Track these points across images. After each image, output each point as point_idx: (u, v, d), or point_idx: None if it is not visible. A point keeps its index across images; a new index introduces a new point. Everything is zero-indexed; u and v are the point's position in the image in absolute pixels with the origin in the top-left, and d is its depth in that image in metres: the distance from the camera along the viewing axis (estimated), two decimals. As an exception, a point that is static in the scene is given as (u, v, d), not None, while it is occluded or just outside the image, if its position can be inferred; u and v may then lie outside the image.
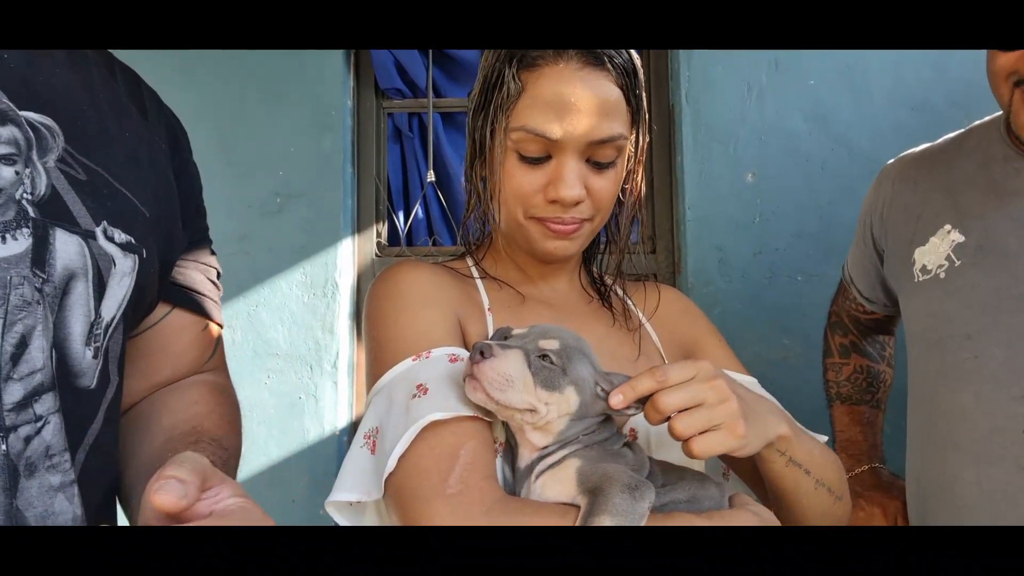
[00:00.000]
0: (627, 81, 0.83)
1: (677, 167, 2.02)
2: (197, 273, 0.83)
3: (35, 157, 0.63)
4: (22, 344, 0.59)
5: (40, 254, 0.61)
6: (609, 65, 0.82)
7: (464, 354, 0.79)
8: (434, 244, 2.12)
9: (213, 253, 0.87)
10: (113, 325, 0.67)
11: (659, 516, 0.71)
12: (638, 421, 0.84)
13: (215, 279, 0.86)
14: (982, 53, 1.01)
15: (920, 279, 1.03)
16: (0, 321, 0.58)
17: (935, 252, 1.01)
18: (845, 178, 1.94)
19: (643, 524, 0.67)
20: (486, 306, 0.87)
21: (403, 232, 2.10)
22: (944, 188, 1.06)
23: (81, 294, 0.64)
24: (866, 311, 1.26)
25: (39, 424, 0.60)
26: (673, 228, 2.02)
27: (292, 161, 2.00)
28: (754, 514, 0.76)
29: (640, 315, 0.96)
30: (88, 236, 0.64)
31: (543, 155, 0.82)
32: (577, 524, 0.67)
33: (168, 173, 0.77)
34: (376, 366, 0.81)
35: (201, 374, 0.84)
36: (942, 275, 1.00)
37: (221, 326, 0.87)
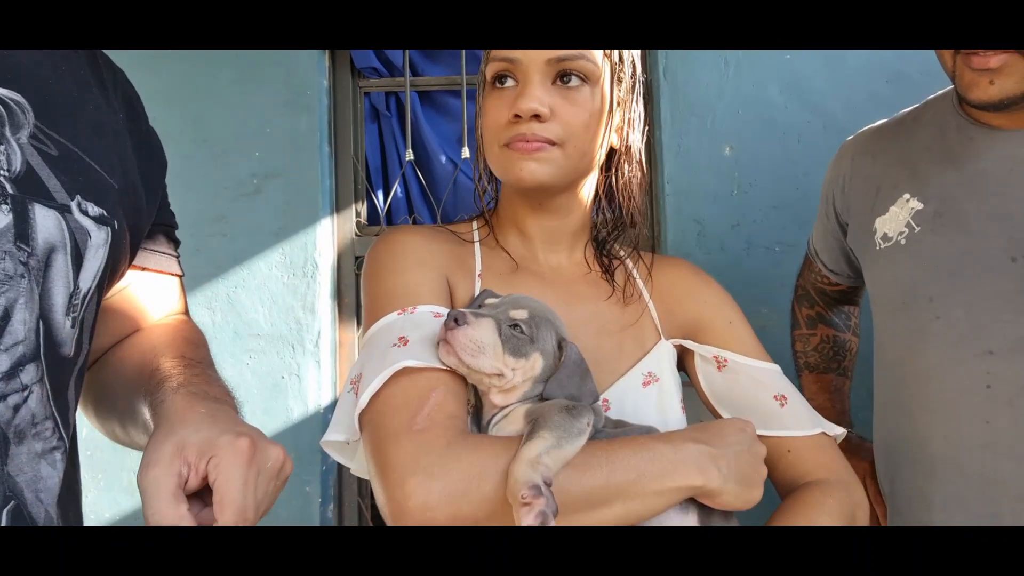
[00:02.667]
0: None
1: (656, 141, 2.03)
2: (159, 233, 0.86)
3: (8, 133, 0.63)
4: (5, 316, 0.60)
5: (23, 229, 0.62)
6: None
7: (445, 311, 0.82)
8: (414, 222, 2.12)
9: (175, 225, 0.90)
10: (89, 295, 0.68)
11: (605, 442, 0.73)
12: (611, 394, 0.86)
13: (175, 239, 0.90)
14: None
15: (882, 247, 1.05)
16: None
17: (895, 220, 1.03)
18: (820, 149, 1.95)
19: (583, 440, 0.71)
20: (477, 271, 0.91)
21: (382, 211, 2.10)
22: (902, 159, 1.08)
23: (61, 267, 0.65)
24: (831, 283, 1.29)
25: (25, 393, 0.61)
26: (652, 201, 2.03)
27: (269, 142, 1.98)
28: (696, 431, 0.79)
29: (643, 289, 0.97)
30: (64, 210, 0.66)
31: (509, 74, 0.87)
32: (521, 445, 0.70)
33: (128, 143, 0.78)
34: (368, 319, 0.85)
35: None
36: (903, 241, 1.02)
37: (182, 274, 0.90)
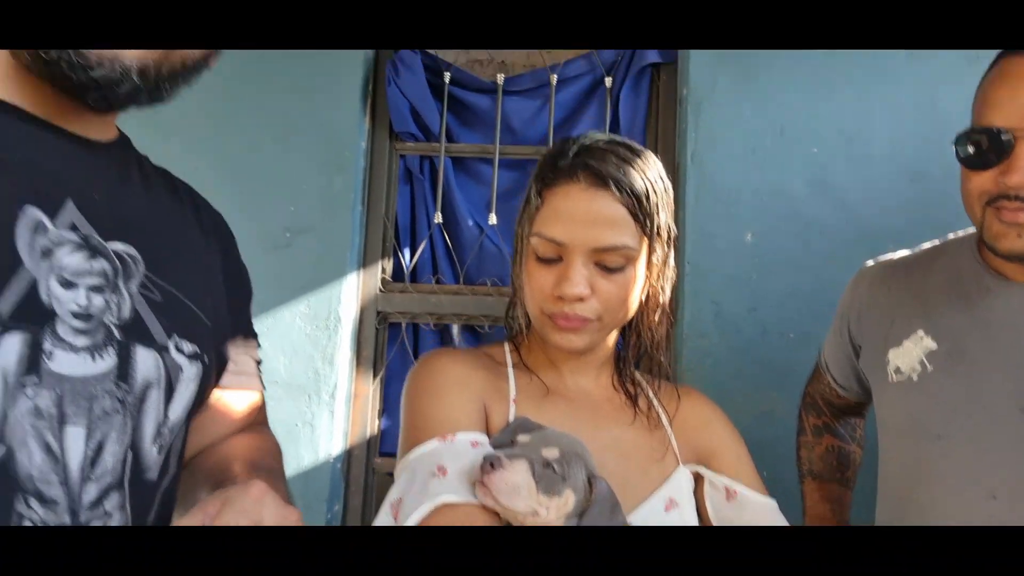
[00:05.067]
0: (631, 201, 0.91)
1: (680, 223, 2.08)
2: (243, 356, 0.92)
3: (121, 284, 0.70)
4: (98, 450, 0.66)
5: (124, 369, 0.68)
6: (613, 187, 0.91)
7: (485, 440, 0.87)
8: (437, 282, 2.17)
9: (258, 345, 0.96)
10: (178, 425, 0.75)
11: None
12: (635, 518, 0.90)
13: (257, 359, 0.96)
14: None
15: (894, 379, 1.07)
16: (84, 431, 0.65)
17: (909, 356, 1.06)
18: (840, 242, 1.99)
19: None
20: (512, 396, 0.95)
21: (408, 269, 2.16)
22: (917, 295, 1.11)
23: (154, 400, 0.71)
24: (839, 396, 1.31)
25: (107, 519, 0.67)
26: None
27: (304, 198, 2.06)
28: None
29: (663, 418, 1.01)
30: (162, 350, 0.72)
31: (555, 256, 0.92)
32: None
33: (220, 279, 0.85)
34: (406, 442, 0.90)
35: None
36: (915, 378, 1.05)
37: (263, 388, 0.97)
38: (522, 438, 0.85)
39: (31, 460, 0.61)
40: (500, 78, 2.19)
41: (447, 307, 2.11)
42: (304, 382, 2.00)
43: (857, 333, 1.20)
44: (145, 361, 0.70)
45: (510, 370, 0.99)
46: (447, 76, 2.18)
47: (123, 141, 0.80)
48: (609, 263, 0.91)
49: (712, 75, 2.06)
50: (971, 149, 0.97)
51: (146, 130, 0.91)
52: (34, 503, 0.61)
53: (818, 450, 1.34)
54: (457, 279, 2.17)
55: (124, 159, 0.79)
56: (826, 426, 1.35)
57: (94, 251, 0.68)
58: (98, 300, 0.67)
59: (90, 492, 0.65)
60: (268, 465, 0.85)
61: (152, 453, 0.71)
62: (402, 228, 2.21)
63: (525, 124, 2.24)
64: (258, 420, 0.95)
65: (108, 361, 0.67)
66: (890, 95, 2.03)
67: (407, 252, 2.19)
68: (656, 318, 0.99)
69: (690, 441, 1.00)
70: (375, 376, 2.10)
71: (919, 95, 2.02)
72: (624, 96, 2.17)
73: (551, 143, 2.16)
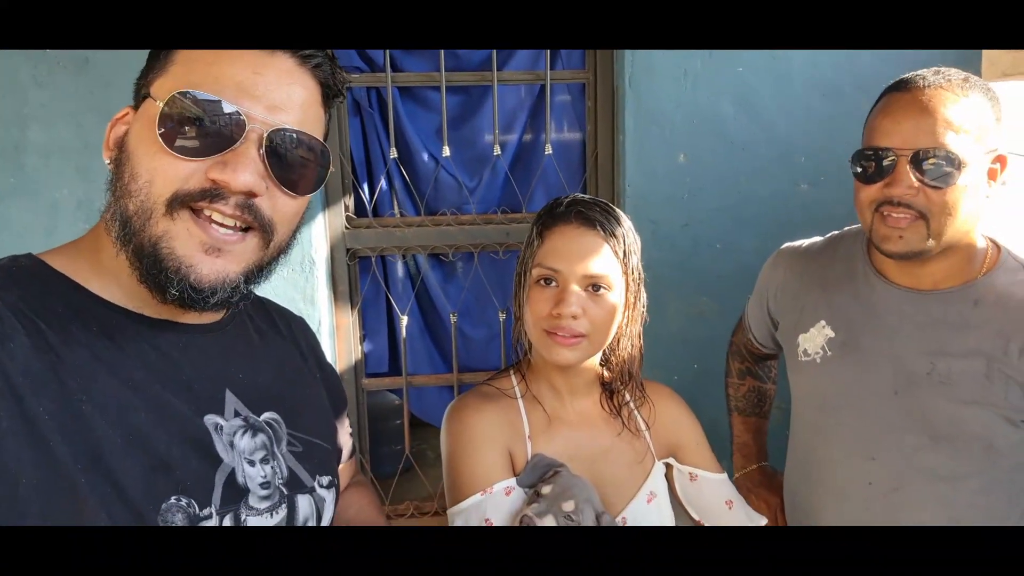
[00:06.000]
0: (613, 241, 1.14)
1: (619, 146, 2.25)
2: (344, 435, 1.10)
3: (276, 449, 0.85)
4: None
5: (291, 517, 0.85)
6: (599, 228, 1.14)
7: (514, 483, 1.14)
8: (401, 216, 2.32)
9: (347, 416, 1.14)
10: None
11: None
12: (627, 513, 1.20)
13: (350, 431, 1.14)
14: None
15: (803, 359, 1.36)
16: None
17: (813, 341, 1.34)
18: (763, 159, 2.22)
19: None
20: (526, 433, 1.19)
21: (369, 205, 2.28)
22: (822, 286, 1.36)
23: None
24: (758, 349, 1.61)
25: None
26: (614, 203, 2.28)
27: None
28: None
29: (643, 425, 1.27)
30: (311, 491, 0.89)
31: (553, 281, 1.14)
32: None
33: (323, 395, 0.99)
34: (452, 491, 1.15)
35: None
36: (818, 360, 1.33)
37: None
38: (544, 489, 1.12)
39: None
40: (440, 4, 2.17)
41: (411, 239, 2.28)
42: (290, 322, 2.19)
43: (775, 310, 1.48)
44: (303, 506, 0.87)
45: (520, 403, 1.23)
46: (386, 5, 2.15)
47: (230, 312, 0.90)
48: (595, 288, 1.14)
49: (648, 1, 2.12)
50: (861, 167, 1.20)
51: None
52: None
53: (742, 390, 1.68)
54: (418, 211, 2.32)
55: (239, 327, 0.90)
56: (748, 370, 1.68)
57: (255, 429, 0.83)
58: (267, 469, 0.83)
59: None
60: (370, 517, 1.08)
61: None
62: (358, 163, 2.29)
63: (469, 49, 2.27)
64: (356, 480, 1.16)
65: (281, 513, 0.84)
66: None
67: (366, 187, 2.30)
68: (628, 349, 1.23)
69: (662, 439, 1.29)
70: (353, 308, 2.31)
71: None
72: (563, 18, 2.21)
73: (495, 67, 2.22)
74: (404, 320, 2.35)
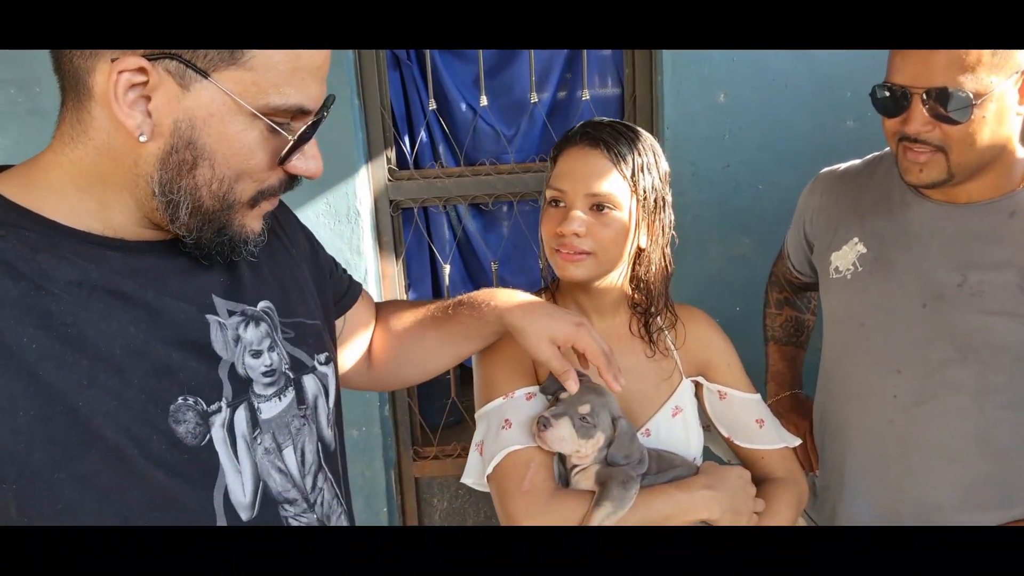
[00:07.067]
0: (619, 161, 1.15)
1: (657, 88, 2.23)
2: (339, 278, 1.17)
3: (277, 337, 0.89)
4: (303, 453, 0.92)
5: (300, 396, 0.92)
6: (604, 148, 1.15)
7: (535, 390, 1.19)
8: (441, 167, 2.36)
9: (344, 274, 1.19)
10: (336, 402, 1.01)
11: (644, 491, 1.11)
12: (651, 425, 1.23)
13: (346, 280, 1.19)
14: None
15: (834, 276, 1.36)
16: (291, 447, 0.89)
17: (845, 258, 1.34)
18: (804, 95, 2.18)
19: (631, 503, 1.08)
20: None
21: (410, 157, 2.33)
22: (856, 206, 1.36)
23: (321, 404, 0.96)
24: (797, 277, 1.60)
25: (321, 493, 0.94)
26: (652, 145, 2.27)
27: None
28: (707, 478, 1.17)
29: (670, 343, 1.29)
30: (313, 370, 0.95)
31: (561, 202, 1.18)
32: (591, 509, 1.07)
33: (308, 275, 1.03)
34: (480, 395, 1.22)
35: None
36: (848, 276, 1.33)
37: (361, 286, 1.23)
38: (563, 394, 1.14)
39: (275, 482, 0.88)
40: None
41: (452, 190, 2.32)
42: (337, 272, 2.27)
43: (811, 233, 1.47)
44: (309, 386, 0.94)
45: None
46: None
47: None
48: (601, 207, 1.15)
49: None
50: (879, 100, 1.18)
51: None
52: (288, 507, 0.89)
53: (779, 320, 1.68)
54: (457, 161, 2.35)
55: None
56: (787, 300, 1.68)
57: (256, 319, 0.88)
58: (275, 356, 0.89)
59: (308, 482, 0.92)
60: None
61: (328, 434, 0.97)
62: (398, 117, 2.33)
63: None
64: (378, 300, 1.23)
65: (289, 396, 0.91)
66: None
67: (406, 139, 2.35)
68: (652, 267, 1.24)
69: (692, 358, 1.31)
70: (397, 258, 2.37)
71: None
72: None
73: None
74: (447, 269, 2.40)
